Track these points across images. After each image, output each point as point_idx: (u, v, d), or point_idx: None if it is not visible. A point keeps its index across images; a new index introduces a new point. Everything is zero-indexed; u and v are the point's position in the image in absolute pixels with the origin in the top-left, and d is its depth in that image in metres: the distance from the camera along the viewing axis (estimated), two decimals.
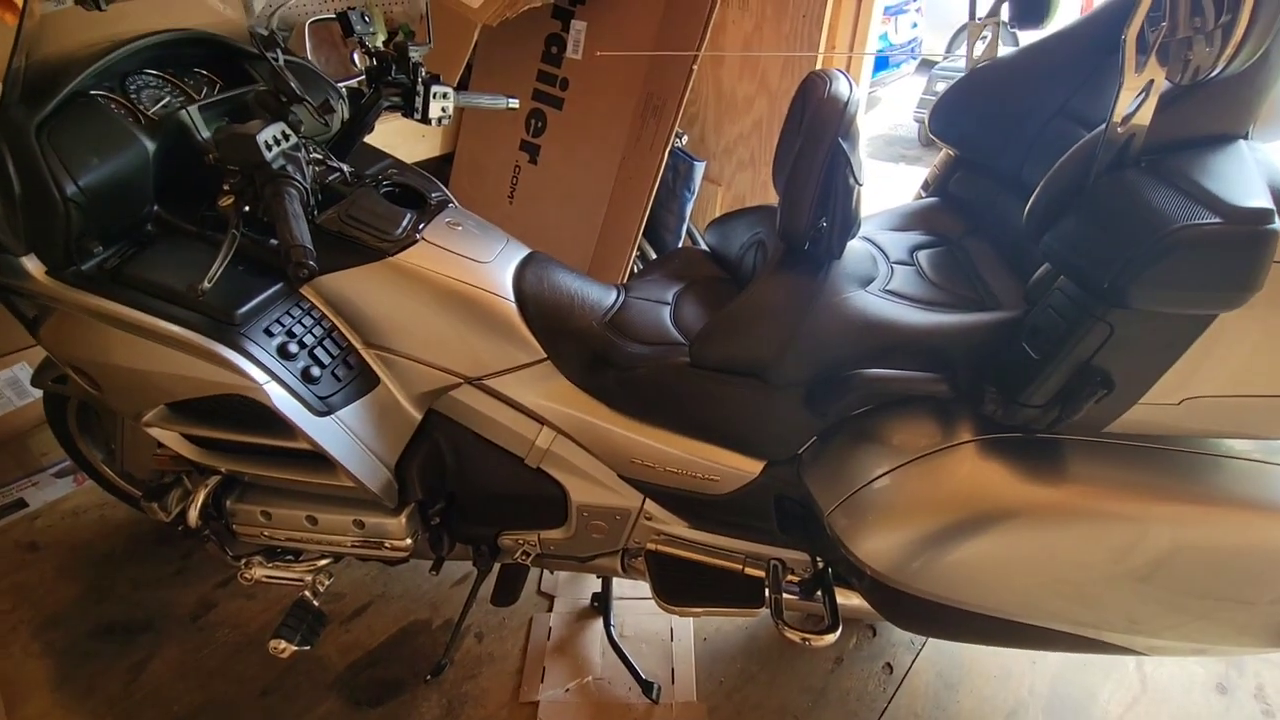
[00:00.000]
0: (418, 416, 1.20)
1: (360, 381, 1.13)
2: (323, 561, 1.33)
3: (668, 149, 1.90)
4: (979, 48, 1.20)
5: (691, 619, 1.63)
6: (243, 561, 1.29)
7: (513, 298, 1.16)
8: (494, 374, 1.18)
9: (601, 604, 1.60)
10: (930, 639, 1.58)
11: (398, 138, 2.05)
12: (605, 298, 1.23)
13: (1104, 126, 0.73)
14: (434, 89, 1.25)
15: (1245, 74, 0.72)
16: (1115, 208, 0.72)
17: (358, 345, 1.14)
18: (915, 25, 4.95)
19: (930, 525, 0.95)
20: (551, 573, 1.70)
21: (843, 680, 1.49)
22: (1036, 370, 0.83)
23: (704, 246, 1.43)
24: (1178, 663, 1.52)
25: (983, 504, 0.93)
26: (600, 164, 2.06)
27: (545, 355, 1.17)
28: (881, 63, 4.84)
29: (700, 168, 2.07)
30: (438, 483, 1.25)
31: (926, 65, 4.94)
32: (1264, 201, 0.64)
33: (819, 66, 1.93)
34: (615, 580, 1.57)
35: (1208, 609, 0.97)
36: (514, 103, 1.50)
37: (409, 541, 1.24)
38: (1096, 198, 0.74)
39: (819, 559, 1.20)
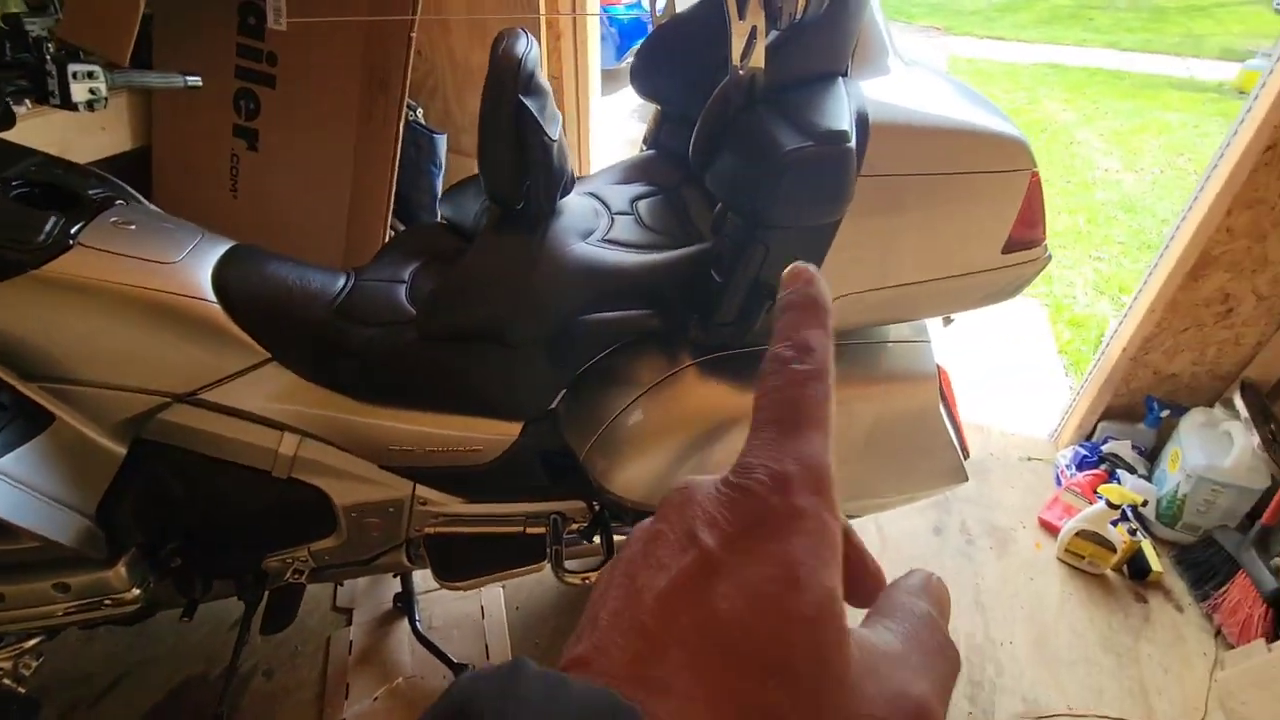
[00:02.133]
0: (120, 450, 1.04)
1: (22, 423, 0.95)
2: (31, 642, 1.12)
3: (401, 124, 1.80)
4: (660, 3, 1.28)
5: (501, 592, 1.64)
6: None
7: (213, 298, 1.04)
8: (209, 385, 1.06)
9: (405, 602, 1.54)
10: None
11: (70, 132, 1.71)
12: (332, 284, 1.15)
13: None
14: (73, 67, 1.05)
15: (831, 20, 0.85)
16: (748, 141, 0.83)
17: (13, 381, 0.95)
18: None
19: (671, 447, 1.04)
20: (341, 584, 1.60)
21: None
22: (721, 293, 0.93)
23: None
24: (904, 517, 1.85)
25: (711, 417, 1.04)
26: (333, 145, 1.90)
27: (269, 355, 1.07)
28: (640, 29, 5.02)
29: (442, 141, 2.00)
30: (165, 519, 1.10)
31: None
32: (844, 125, 0.78)
33: (543, 28, 1.95)
34: (417, 574, 1.52)
35: (907, 462, 1.19)
36: (194, 80, 1.32)
37: (136, 592, 1.08)
38: (735, 134, 0.85)
39: (594, 502, 1.26)
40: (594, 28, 2.13)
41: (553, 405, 1.17)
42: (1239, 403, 1.63)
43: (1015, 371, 2.67)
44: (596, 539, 1.26)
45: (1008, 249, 0.99)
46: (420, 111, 2.07)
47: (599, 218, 1.21)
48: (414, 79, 1.96)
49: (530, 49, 0.96)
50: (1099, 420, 1.96)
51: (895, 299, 1.00)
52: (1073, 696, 1.44)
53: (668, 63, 1.30)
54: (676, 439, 1.04)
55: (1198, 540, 1.68)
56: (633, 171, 1.39)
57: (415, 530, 1.27)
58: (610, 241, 1.14)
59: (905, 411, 1.09)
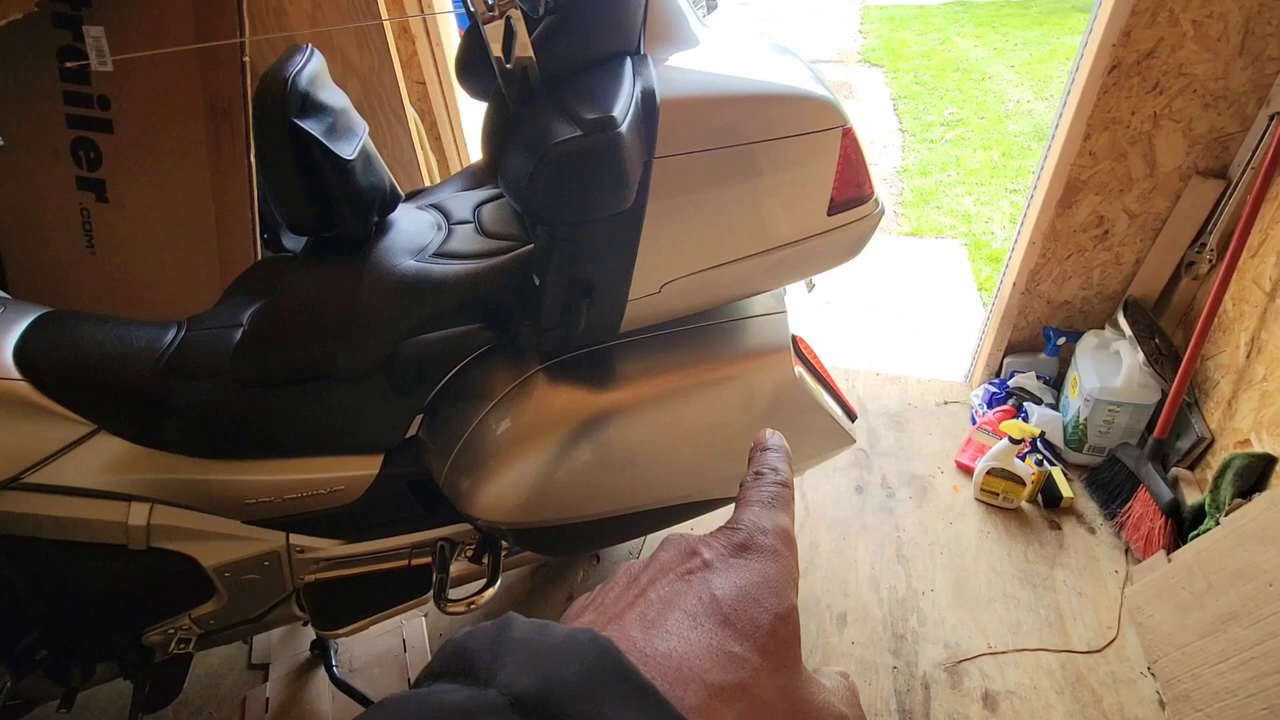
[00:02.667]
0: None
1: None
2: None
3: (251, 151, 1.72)
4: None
5: (424, 622, 1.59)
6: None
7: (17, 374, 0.97)
8: (33, 467, 0.99)
9: (320, 648, 1.49)
10: (646, 539, 1.73)
11: None
12: (159, 339, 1.08)
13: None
14: None
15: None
16: (525, 137, 0.78)
17: None
18: None
19: (528, 459, 1.00)
20: (247, 642, 1.54)
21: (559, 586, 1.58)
22: (540, 295, 0.89)
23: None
24: (826, 480, 1.85)
25: (563, 422, 1.00)
26: (189, 185, 1.80)
27: (94, 425, 1.01)
28: None
29: None
30: (14, 613, 1.04)
31: None
32: (614, 110, 0.74)
33: (389, 34, 1.87)
34: None
35: (797, 430, 1.17)
36: None
37: None
38: (516, 131, 0.80)
39: (478, 524, 1.22)
40: (450, 26, 2.05)
41: (413, 433, 1.13)
42: (1122, 321, 1.66)
43: (936, 314, 2.69)
44: (485, 561, 1.22)
45: (833, 210, 0.97)
46: None
47: (434, 231, 1.15)
48: None
49: (306, 64, 0.90)
50: (1004, 356, 1.98)
51: (731, 276, 0.97)
52: (993, 635, 1.46)
53: (482, 60, 1.25)
54: (532, 449, 1.01)
55: (1103, 461, 1.71)
56: (479, 175, 1.33)
57: (300, 579, 1.22)
58: (442, 255, 1.09)
59: (767, 387, 1.07)
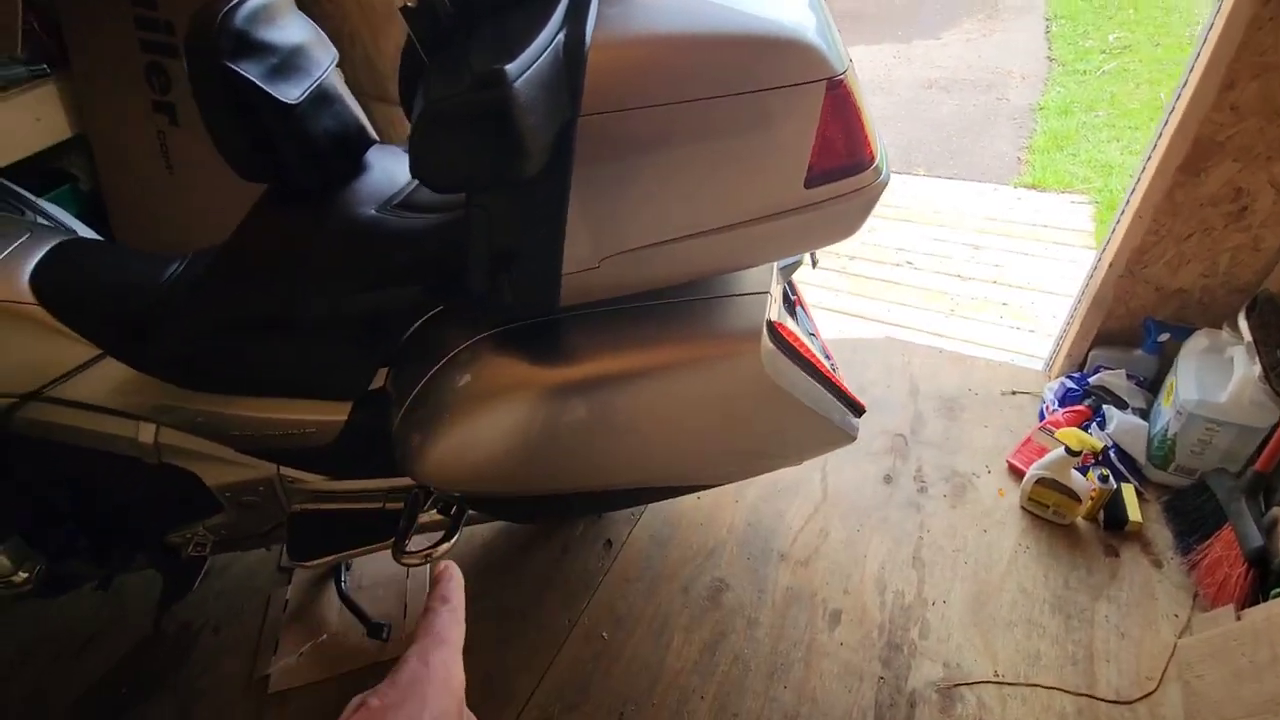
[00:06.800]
0: None
1: None
2: None
3: None
4: None
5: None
6: None
7: (32, 298, 1.06)
8: (53, 383, 1.09)
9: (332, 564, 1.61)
10: (649, 505, 1.69)
11: (9, 124, 1.78)
12: (161, 271, 1.14)
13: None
14: None
15: None
16: (422, 91, 0.70)
17: None
18: None
19: (463, 424, 0.97)
20: (269, 549, 1.69)
21: (567, 567, 1.59)
22: (467, 261, 0.83)
23: None
24: (853, 466, 1.70)
25: (504, 392, 0.95)
26: None
27: (100, 350, 1.09)
28: None
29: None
30: (46, 509, 1.18)
31: None
32: (504, 63, 0.63)
33: None
34: None
35: (758, 432, 1.06)
36: (39, 68, 1.31)
37: (23, 576, 1.18)
38: (423, 85, 0.72)
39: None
40: None
41: (380, 384, 1.13)
42: (1244, 323, 1.33)
43: (1035, 287, 2.34)
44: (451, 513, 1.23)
45: (812, 182, 0.81)
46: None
47: (407, 177, 1.11)
48: (330, 27, 1.86)
49: (241, 4, 0.86)
50: (1091, 347, 1.68)
51: (685, 253, 0.85)
52: (1003, 662, 1.31)
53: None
54: (469, 416, 0.97)
55: (1191, 485, 1.44)
56: None
57: (295, 506, 1.30)
58: (405, 206, 1.04)
59: (730, 376, 0.95)
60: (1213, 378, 1.37)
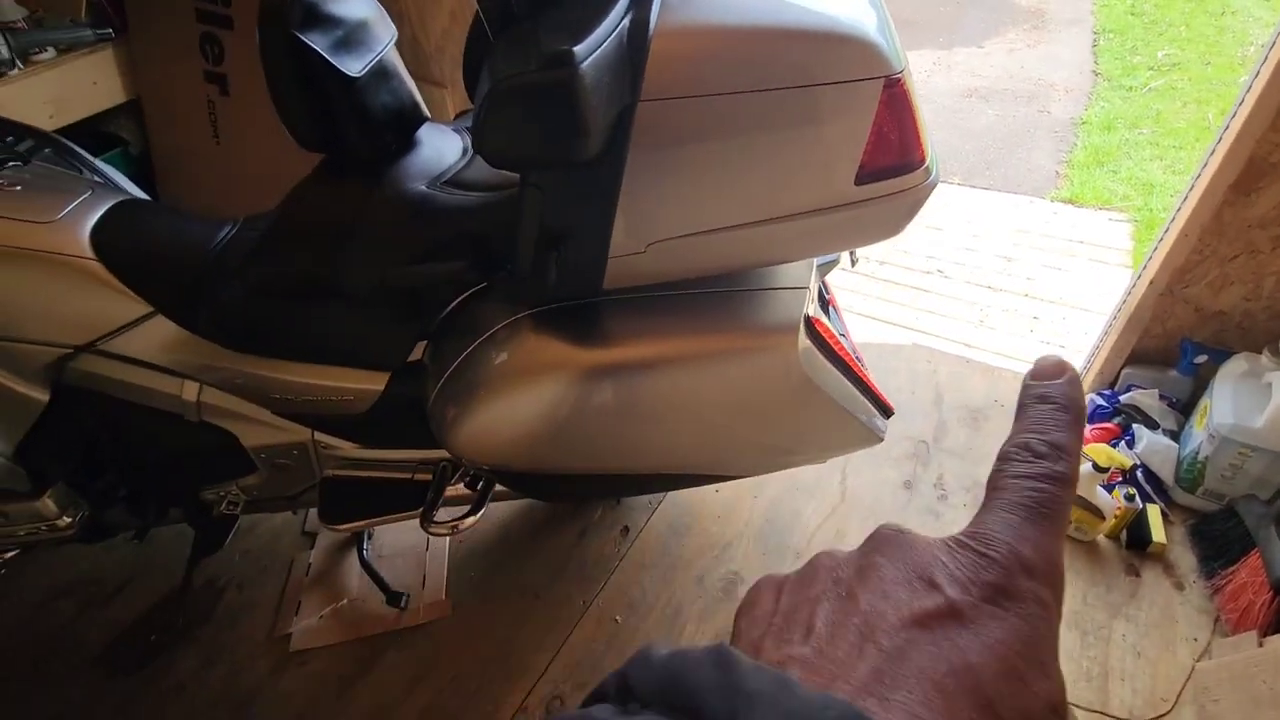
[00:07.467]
0: (41, 398, 1.15)
1: None
2: (8, 554, 1.32)
3: None
4: None
5: None
6: None
7: (91, 254, 1.10)
8: (105, 336, 1.14)
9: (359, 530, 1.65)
10: (668, 494, 1.71)
11: (67, 89, 1.84)
12: (213, 235, 1.18)
13: None
14: None
15: None
16: (489, 70, 0.71)
17: None
18: None
19: (500, 401, 0.99)
20: (295, 513, 1.73)
21: (584, 551, 1.61)
22: (515, 241, 0.85)
23: None
24: (873, 469, 1.70)
25: (542, 371, 0.97)
26: None
27: (152, 308, 1.13)
28: None
29: None
30: (90, 458, 1.23)
31: None
32: (572, 44, 0.64)
33: None
34: None
35: (787, 426, 1.08)
36: (104, 31, 1.35)
37: (68, 520, 1.23)
38: (488, 62, 0.74)
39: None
40: None
41: (418, 357, 1.16)
42: None
43: (1068, 302, 2.32)
44: (479, 487, 1.26)
45: (862, 179, 0.82)
46: None
47: (457, 156, 1.13)
48: None
49: None
50: (1124, 365, 1.66)
51: (730, 243, 0.86)
52: None
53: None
54: (506, 392, 0.99)
55: (1219, 510, 1.42)
56: None
57: (328, 471, 1.34)
58: (454, 183, 1.07)
59: (765, 369, 0.96)
60: (1249, 402, 1.36)
